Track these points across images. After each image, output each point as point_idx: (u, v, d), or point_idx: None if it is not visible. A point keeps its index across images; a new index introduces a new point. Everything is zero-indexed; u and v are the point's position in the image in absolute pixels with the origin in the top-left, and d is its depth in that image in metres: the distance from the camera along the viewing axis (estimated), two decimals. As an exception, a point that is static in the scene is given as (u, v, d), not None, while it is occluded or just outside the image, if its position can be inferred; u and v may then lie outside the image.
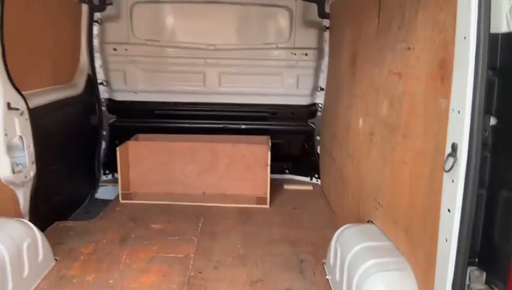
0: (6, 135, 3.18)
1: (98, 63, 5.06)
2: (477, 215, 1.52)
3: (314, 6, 5.03)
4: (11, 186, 3.30)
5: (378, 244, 2.77)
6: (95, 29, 4.97)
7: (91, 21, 4.90)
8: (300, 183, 5.41)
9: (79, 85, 4.80)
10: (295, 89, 5.21)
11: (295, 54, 5.09)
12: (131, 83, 5.17)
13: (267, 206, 4.67)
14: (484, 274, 1.58)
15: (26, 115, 3.42)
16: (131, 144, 4.86)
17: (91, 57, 4.97)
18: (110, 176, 5.37)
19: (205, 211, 4.48)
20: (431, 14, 2.27)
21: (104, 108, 5.25)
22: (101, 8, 4.94)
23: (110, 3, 4.93)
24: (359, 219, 3.38)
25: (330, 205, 4.67)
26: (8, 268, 2.74)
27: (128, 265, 3.40)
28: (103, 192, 5.24)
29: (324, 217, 4.46)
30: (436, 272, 1.77)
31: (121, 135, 5.12)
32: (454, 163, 1.56)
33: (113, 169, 5.21)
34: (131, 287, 3.10)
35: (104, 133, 5.28)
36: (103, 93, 5.21)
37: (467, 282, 1.64)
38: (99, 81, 5.12)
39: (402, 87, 2.69)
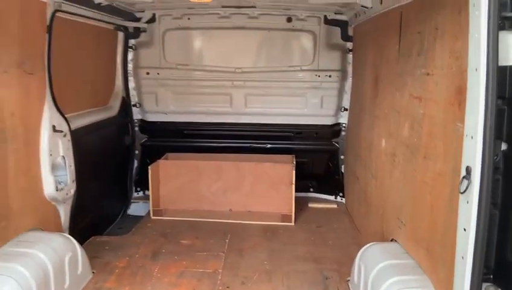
0: (51, 155, 3.45)
1: (131, 86, 5.36)
2: (491, 234, 1.62)
3: (337, 30, 5.21)
4: (53, 203, 3.55)
5: (401, 262, 2.86)
6: (130, 54, 5.29)
7: (126, 47, 5.22)
8: (324, 202, 5.51)
9: (114, 107, 5.10)
10: (319, 109, 5.36)
11: (319, 76, 5.26)
12: (162, 104, 5.44)
13: (292, 223, 4.79)
14: (499, 290, 1.67)
15: (69, 136, 3.70)
16: (161, 162, 5.10)
17: (125, 81, 5.27)
18: (141, 193, 5.62)
19: (231, 228, 4.64)
20: (448, 43, 2.40)
21: (136, 128, 5.53)
22: (136, 35, 5.27)
23: (144, 31, 5.24)
24: (383, 237, 3.46)
25: (354, 223, 4.75)
26: (52, 279, 2.96)
27: (160, 279, 3.58)
28: (135, 208, 5.48)
29: (348, 235, 4.54)
30: (455, 289, 1.86)
31: (152, 154, 5.37)
32: (468, 185, 1.67)
33: (144, 186, 5.47)
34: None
35: (136, 152, 5.54)
36: (136, 114, 5.50)
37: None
38: (132, 103, 5.42)
39: (422, 110, 2.81)
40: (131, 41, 5.28)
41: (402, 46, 3.27)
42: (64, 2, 3.54)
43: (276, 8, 5.04)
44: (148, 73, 5.34)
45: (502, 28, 1.59)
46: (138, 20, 5.19)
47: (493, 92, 1.58)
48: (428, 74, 2.71)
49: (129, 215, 5.40)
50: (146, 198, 5.34)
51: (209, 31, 5.24)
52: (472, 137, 1.68)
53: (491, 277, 1.68)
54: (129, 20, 5.11)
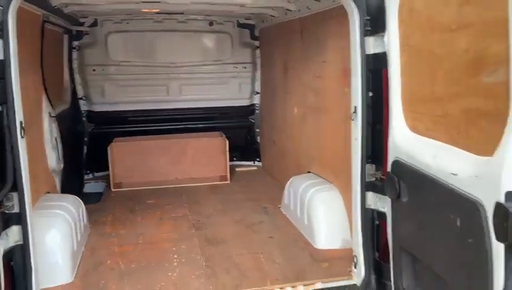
0: (51, 136, 4.34)
1: (78, 81, 6.19)
2: (368, 138, 3.26)
3: (247, 31, 6.74)
4: (53, 174, 4.44)
5: (317, 181, 4.51)
6: (74, 54, 6.11)
7: (70, 48, 6.02)
8: (247, 166, 7.04)
9: (67, 100, 5.89)
10: (238, 93, 6.86)
11: (237, 67, 6.75)
12: (108, 96, 6.38)
13: (228, 181, 6.22)
14: (374, 166, 3.33)
15: (56, 122, 4.59)
16: (116, 144, 6.08)
17: (72, 77, 6.08)
18: (91, 175, 6.47)
19: (183, 190, 5.88)
20: (336, 41, 4.06)
21: (84, 118, 6.37)
22: (79, 37, 6.11)
23: (87, 34, 6.12)
24: (300, 173, 5.10)
25: (273, 178, 6.36)
26: (77, 223, 3.96)
27: (146, 224, 4.72)
28: (89, 187, 6.32)
29: (270, 185, 6.12)
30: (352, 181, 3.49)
31: (100, 140, 6.27)
32: (355, 116, 3.29)
33: (93, 169, 6.37)
34: (158, 232, 4.46)
35: (86, 139, 6.38)
36: (83, 106, 6.33)
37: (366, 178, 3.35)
38: (79, 96, 6.24)
39: (322, 84, 4.48)
40: (75, 43, 6.10)
41: (304, 43, 4.92)
42: (51, 14, 4.42)
43: (199, 15, 6.36)
44: (94, 70, 6.23)
45: (366, 34, 3.22)
46: (82, 24, 6.04)
47: (363, 67, 3.22)
48: (324, 61, 4.38)
49: (87, 193, 6.24)
50: (95, 179, 6.29)
51: (146, 33, 6.34)
52: (355, 91, 3.31)
53: (370, 160, 3.33)
54: (74, 25, 5.93)
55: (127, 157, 6.07)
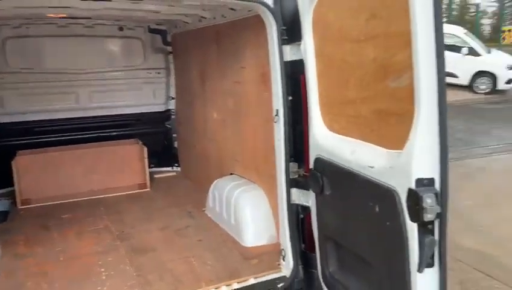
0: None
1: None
2: (289, 137, 3.52)
3: (159, 37, 6.68)
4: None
5: (241, 182, 4.69)
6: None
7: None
8: (165, 172, 6.97)
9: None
10: (153, 99, 6.76)
11: (150, 73, 6.66)
12: (8, 106, 5.87)
13: (148, 189, 6.12)
14: (296, 164, 3.60)
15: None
16: (20, 157, 5.62)
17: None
18: (-10, 193, 5.90)
19: (101, 201, 5.66)
20: (253, 50, 4.27)
21: (-18, 131, 5.79)
22: (-29, 42, 5.55)
23: (-18, 39, 5.58)
24: (223, 176, 5.24)
25: (193, 182, 6.40)
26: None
27: (64, 239, 4.47)
28: (-10, 207, 5.76)
29: (192, 189, 6.16)
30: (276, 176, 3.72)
31: (0, 155, 5.76)
32: (278, 118, 3.52)
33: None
34: (79, 246, 4.26)
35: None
36: (-19, 118, 5.75)
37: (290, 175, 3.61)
38: (-25, 108, 5.67)
39: (241, 89, 4.67)
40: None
41: (221, 50, 5.07)
42: None
43: (108, 19, 6.17)
44: (-9, 78, 5.70)
45: (283, 42, 3.47)
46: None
47: (282, 74, 3.47)
48: (242, 67, 4.58)
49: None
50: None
51: (51, 38, 5.96)
52: (276, 96, 3.54)
53: (293, 159, 3.60)
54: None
55: (34, 171, 5.66)
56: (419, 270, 2.16)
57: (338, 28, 2.92)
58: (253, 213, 4.32)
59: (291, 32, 3.45)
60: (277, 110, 3.60)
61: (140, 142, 6.29)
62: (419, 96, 2.11)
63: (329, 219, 3.02)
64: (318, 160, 3.08)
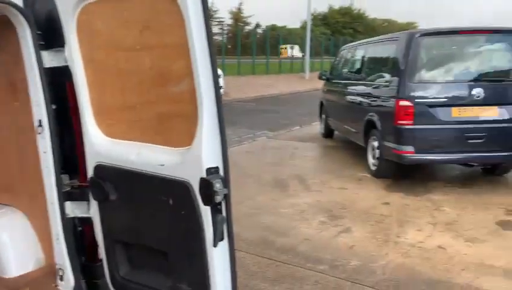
0: None
1: None
2: (59, 144, 3.31)
3: None
4: None
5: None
6: None
7: None
8: None
9: None
10: None
11: None
12: None
13: None
14: (68, 176, 3.40)
15: None
16: None
17: None
18: None
19: None
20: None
21: None
22: None
23: None
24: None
25: None
26: None
27: None
28: None
29: None
30: (46, 194, 3.40)
31: None
32: (42, 129, 3.24)
33: None
34: None
35: None
36: None
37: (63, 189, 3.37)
38: None
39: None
40: None
41: None
42: None
43: None
44: None
45: (41, 48, 3.22)
46: None
47: (43, 81, 3.23)
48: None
49: None
50: None
51: None
52: (37, 105, 3.25)
53: (64, 171, 3.37)
54: None
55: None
56: (215, 245, 2.55)
57: (108, 36, 3.00)
58: (13, 240, 3.80)
59: (49, 37, 3.28)
60: (40, 121, 3.33)
61: None
62: (201, 98, 2.50)
63: (119, 223, 3.07)
64: (99, 167, 3.08)
